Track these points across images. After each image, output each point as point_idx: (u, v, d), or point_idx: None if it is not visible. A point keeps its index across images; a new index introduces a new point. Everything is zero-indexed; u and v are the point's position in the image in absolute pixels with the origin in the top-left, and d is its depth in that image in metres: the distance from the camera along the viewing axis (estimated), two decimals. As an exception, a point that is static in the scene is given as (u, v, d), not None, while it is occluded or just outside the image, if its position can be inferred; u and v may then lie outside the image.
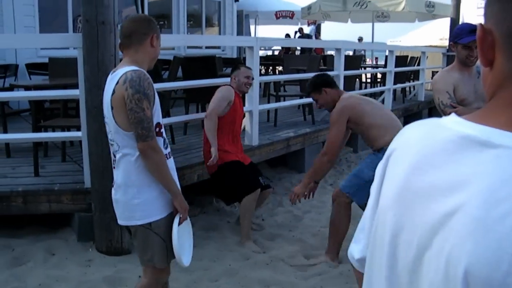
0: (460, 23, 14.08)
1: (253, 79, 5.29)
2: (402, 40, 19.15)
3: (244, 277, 4.35)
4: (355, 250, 1.17)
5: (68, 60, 6.83)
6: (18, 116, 7.48)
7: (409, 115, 11.93)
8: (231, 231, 5.34)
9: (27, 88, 5.93)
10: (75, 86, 4.80)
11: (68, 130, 5.55)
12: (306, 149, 7.65)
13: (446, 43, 16.44)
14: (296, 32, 19.89)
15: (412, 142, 0.93)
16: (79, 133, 4.69)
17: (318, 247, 4.96)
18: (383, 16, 14.77)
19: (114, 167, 2.83)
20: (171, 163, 2.87)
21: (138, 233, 2.85)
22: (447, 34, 15.16)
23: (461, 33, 3.90)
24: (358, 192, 4.40)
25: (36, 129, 5.37)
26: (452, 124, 0.86)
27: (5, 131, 5.81)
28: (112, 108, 2.66)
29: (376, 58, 18.85)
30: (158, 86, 5.94)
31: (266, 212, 5.99)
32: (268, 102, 8.79)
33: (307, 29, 20.59)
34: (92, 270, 4.30)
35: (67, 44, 4.58)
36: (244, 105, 5.57)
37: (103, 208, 4.35)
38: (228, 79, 7.42)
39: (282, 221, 5.76)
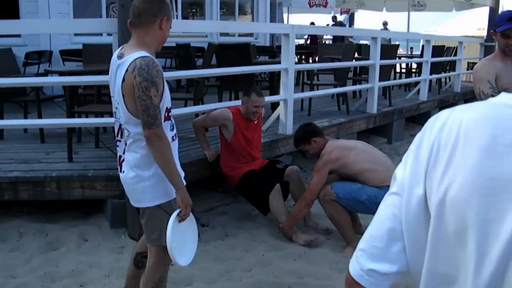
0: (499, 12, 13.72)
1: (263, 106, 5.21)
2: (438, 30, 18.74)
3: (278, 267, 4.28)
4: (381, 266, 1.04)
5: (102, 46, 6.83)
6: (52, 102, 7.51)
7: (444, 106, 11.71)
8: (264, 221, 5.25)
9: (61, 73, 5.93)
10: (108, 72, 4.73)
11: (102, 116, 5.54)
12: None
13: (484, 33, 16.05)
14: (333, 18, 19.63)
15: (471, 125, 0.85)
16: (112, 119, 4.65)
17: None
18: (419, 5, 14.47)
19: (123, 151, 2.85)
20: (175, 145, 2.89)
21: (147, 213, 2.85)
22: (485, 24, 14.78)
23: (500, 21, 3.73)
24: (346, 201, 4.52)
25: (70, 115, 5.36)
26: None
27: (40, 117, 5.82)
28: (123, 96, 2.66)
29: (411, 48, 18.50)
30: (192, 73, 5.93)
31: (299, 202, 5.90)
32: (302, 91, 8.68)
33: (340, 18, 20.34)
34: (125, 257, 4.27)
35: (102, 29, 4.53)
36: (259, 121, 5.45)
37: (137, 195, 4.31)
38: (262, 67, 7.40)
39: (316, 212, 5.65)
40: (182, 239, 2.84)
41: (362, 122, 8.01)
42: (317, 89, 8.44)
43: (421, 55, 10.97)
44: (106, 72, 5.65)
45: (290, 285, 4.01)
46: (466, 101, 13.16)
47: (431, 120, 0.97)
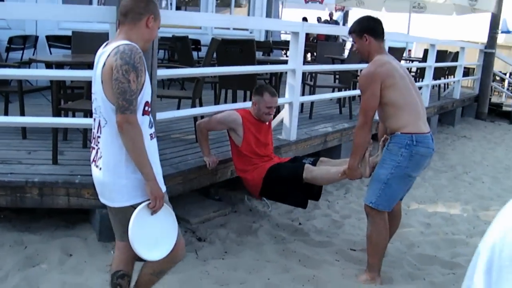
0: (501, 19, 13.41)
1: (275, 107, 4.77)
2: (437, 34, 18.40)
3: (285, 295, 3.82)
4: None
5: (93, 35, 6.30)
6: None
7: (443, 113, 11.38)
8: (267, 237, 4.80)
9: (48, 64, 5.36)
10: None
11: (91, 115, 5.02)
12: (342, 146, 7.08)
13: (482, 39, 15.75)
14: (318, 19, 19.27)
15: None
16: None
17: (362, 261, 4.42)
18: (419, 7, 14.06)
19: (96, 146, 2.74)
20: (154, 144, 2.79)
21: (121, 214, 2.73)
22: (484, 30, 14.48)
23: None
24: (380, 199, 3.91)
25: (57, 113, 4.82)
26: None
27: (22, 110, 5.26)
28: (102, 82, 2.57)
29: (409, 51, 18.10)
30: (197, 71, 5.40)
31: (303, 216, 5.45)
32: (303, 93, 8.19)
33: (334, 15, 19.91)
34: (114, 277, 3.78)
35: (100, 18, 3.99)
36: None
37: (131, 208, 3.83)
38: (269, 67, 6.90)
39: (322, 227, 5.21)
40: (154, 232, 2.72)
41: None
42: (315, 92, 7.94)
43: (423, 59, 10.55)
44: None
45: (300, 317, 3.56)
46: (464, 108, 12.86)
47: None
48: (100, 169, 2.70)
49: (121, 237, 2.89)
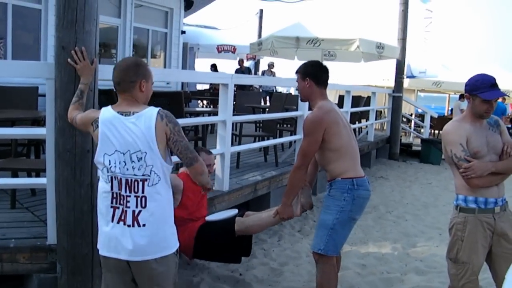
0: (406, 64, 14.21)
1: (214, 164, 4.85)
2: (345, 80, 19.16)
3: None
4: None
5: (13, 89, 6.12)
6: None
7: (360, 156, 11.72)
8: (210, 290, 4.73)
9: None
10: (24, 121, 4.09)
11: (16, 174, 4.81)
12: (271, 193, 7.16)
13: (388, 83, 16.63)
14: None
15: None
16: (43, 180, 3.99)
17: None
18: (329, 55, 14.63)
19: (140, 204, 2.86)
20: None
21: (168, 261, 2.96)
22: (390, 75, 15.30)
23: (481, 86, 3.56)
24: (329, 244, 3.97)
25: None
26: None
27: None
28: (158, 144, 2.84)
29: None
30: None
31: (242, 267, 5.41)
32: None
33: (246, 63, 20.29)
34: None
35: (37, 73, 3.84)
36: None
37: (74, 271, 3.67)
38: (199, 119, 6.90)
39: (262, 276, 5.19)
40: None
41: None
42: (241, 141, 8.05)
43: (339, 105, 10.94)
44: (21, 121, 4.96)
45: None
46: (377, 150, 13.38)
47: None
48: (144, 225, 2.85)
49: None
